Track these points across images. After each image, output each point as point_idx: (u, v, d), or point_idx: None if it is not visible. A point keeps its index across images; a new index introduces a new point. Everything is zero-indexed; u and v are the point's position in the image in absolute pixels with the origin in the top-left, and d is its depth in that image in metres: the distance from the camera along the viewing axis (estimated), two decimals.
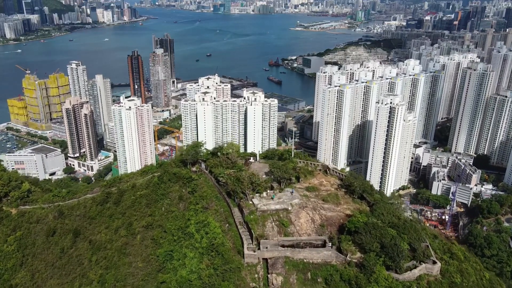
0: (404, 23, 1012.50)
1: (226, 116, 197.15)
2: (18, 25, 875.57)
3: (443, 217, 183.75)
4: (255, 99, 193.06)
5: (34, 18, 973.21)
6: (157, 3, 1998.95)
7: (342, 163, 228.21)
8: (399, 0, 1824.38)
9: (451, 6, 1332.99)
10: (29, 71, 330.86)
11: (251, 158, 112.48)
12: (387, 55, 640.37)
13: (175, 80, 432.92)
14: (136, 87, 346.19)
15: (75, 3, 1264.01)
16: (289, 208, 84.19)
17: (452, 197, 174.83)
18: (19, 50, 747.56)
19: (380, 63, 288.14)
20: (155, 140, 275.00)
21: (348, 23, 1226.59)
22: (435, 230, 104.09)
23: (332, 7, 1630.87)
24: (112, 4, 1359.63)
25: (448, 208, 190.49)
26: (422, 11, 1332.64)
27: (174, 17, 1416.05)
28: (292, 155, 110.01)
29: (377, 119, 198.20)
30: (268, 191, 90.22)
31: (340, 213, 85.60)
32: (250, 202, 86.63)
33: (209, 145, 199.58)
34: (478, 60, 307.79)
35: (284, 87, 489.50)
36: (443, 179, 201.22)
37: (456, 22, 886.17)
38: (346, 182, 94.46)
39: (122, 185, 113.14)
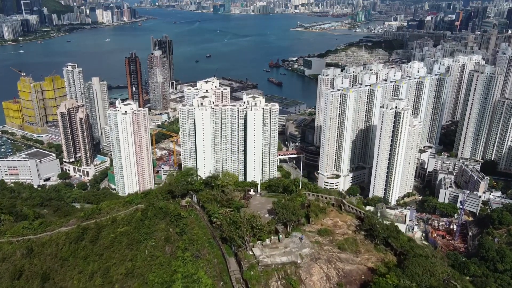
0: (405, 24, 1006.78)
1: (225, 121, 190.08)
2: (16, 26, 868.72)
3: (451, 226, 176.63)
4: (255, 103, 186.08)
5: (33, 18, 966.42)
6: (157, 4, 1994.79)
7: (345, 169, 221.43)
8: (399, 1, 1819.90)
9: (451, 7, 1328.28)
10: (24, 74, 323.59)
11: (251, 190, 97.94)
12: (389, 56, 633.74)
13: (174, 82, 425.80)
14: (134, 89, 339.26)
15: (75, 4, 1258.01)
16: (299, 261, 70.31)
17: (461, 206, 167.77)
18: (22, 51, 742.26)
19: (384, 65, 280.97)
20: (152, 144, 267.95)
21: (349, 24, 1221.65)
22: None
23: (332, 8, 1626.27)
24: (111, 5, 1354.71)
25: (456, 217, 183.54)
26: (423, 12, 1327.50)
27: (174, 18, 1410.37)
28: (300, 186, 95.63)
29: (381, 124, 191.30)
30: (272, 237, 76.50)
31: (361, 265, 71.65)
32: (250, 253, 72.32)
33: (208, 153, 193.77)
34: (483, 62, 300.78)
35: (285, 88, 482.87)
36: (450, 186, 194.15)
37: (457, 23, 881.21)
38: (367, 224, 78.90)
39: (101, 218, 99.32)
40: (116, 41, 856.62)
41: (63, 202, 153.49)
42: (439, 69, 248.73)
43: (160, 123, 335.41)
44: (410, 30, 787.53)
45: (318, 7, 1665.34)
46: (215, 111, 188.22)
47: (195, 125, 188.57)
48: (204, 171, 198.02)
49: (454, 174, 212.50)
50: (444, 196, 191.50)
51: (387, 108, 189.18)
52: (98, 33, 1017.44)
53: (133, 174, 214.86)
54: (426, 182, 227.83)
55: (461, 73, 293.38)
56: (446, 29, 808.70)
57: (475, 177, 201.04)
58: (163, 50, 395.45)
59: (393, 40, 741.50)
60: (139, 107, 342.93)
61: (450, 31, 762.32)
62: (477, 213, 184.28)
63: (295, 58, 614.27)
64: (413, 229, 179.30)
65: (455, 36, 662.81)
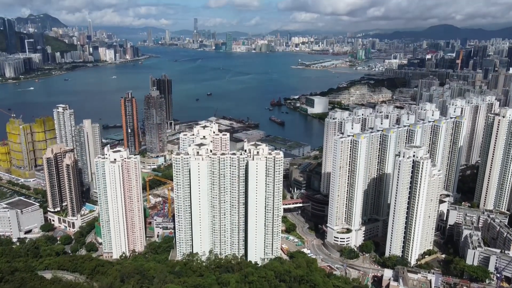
0: (405, 62, 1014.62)
1: (224, 172, 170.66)
2: (18, 64, 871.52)
3: None
4: (257, 152, 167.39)
5: (36, 57, 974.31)
6: (160, 42, 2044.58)
7: (356, 222, 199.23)
8: (398, 39, 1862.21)
9: (450, 45, 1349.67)
10: (14, 115, 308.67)
11: None
12: (392, 94, 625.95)
13: (172, 121, 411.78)
14: (129, 131, 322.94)
15: (78, 42, 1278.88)
16: None
17: (498, 275, 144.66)
18: (32, 88, 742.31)
19: (393, 107, 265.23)
20: (147, 191, 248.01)
21: (349, 62, 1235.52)
22: None
23: (333, 46, 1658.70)
24: (114, 43, 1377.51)
25: (487, 282, 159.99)
26: (422, 50, 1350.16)
27: (176, 56, 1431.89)
28: None
29: (398, 174, 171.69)
30: None
31: None
32: None
33: (204, 207, 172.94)
34: (498, 103, 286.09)
35: (287, 128, 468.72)
36: (479, 246, 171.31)
37: (458, 61, 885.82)
38: None
39: None
40: (116, 80, 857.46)
41: (31, 273, 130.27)
42: (454, 111, 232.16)
43: (156, 166, 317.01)
44: (412, 68, 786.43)
45: (319, 46, 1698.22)
46: (213, 161, 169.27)
47: (190, 176, 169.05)
48: (200, 227, 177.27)
49: (480, 229, 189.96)
50: (472, 257, 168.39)
51: (404, 156, 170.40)
52: (99, 71, 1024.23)
53: (121, 229, 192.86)
54: (447, 237, 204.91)
55: (474, 114, 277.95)
56: (447, 67, 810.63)
57: (505, 234, 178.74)
58: (162, 90, 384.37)
59: (395, 78, 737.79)
60: (135, 149, 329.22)
61: (452, 69, 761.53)
62: None
63: (297, 97, 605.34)
64: None
65: (457, 74, 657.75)
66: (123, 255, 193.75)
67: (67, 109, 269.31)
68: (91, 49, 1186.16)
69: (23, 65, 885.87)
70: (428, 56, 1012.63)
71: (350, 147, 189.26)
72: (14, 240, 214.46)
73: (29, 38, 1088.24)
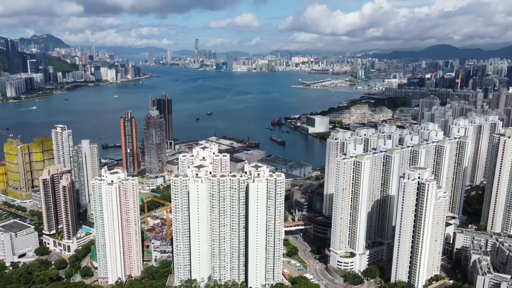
0: (405, 81, 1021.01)
1: (224, 194, 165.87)
2: (20, 84, 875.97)
3: None
4: (258, 174, 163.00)
5: (38, 76, 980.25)
6: (161, 62, 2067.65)
7: (360, 246, 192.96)
8: (397, 59, 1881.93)
9: (449, 65, 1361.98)
10: (12, 135, 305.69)
11: None
12: (393, 113, 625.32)
13: (172, 141, 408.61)
14: (128, 151, 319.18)
15: (80, 62, 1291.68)
16: None
17: None
18: (34, 107, 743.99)
19: (396, 127, 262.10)
20: (145, 212, 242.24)
21: (349, 81, 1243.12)
22: None
23: (332, 66, 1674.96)
24: (116, 63, 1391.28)
25: None
26: (421, 69, 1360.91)
27: (177, 75, 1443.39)
28: None
29: (403, 197, 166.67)
30: None
31: None
32: None
33: (203, 231, 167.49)
34: (501, 123, 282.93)
35: (288, 147, 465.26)
36: (489, 271, 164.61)
37: (458, 81, 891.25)
38: None
39: None
40: (117, 99, 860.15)
41: None
42: (458, 131, 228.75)
43: (155, 187, 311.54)
44: (412, 88, 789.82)
45: (319, 65, 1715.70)
46: (213, 183, 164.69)
47: (188, 199, 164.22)
48: (199, 252, 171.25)
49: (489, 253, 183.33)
50: (482, 283, 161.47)
51: (409, 178, 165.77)
52: (100, 91, 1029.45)
53: (117, 253, 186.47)
54: (454, 261, 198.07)
55: (477, 134, 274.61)
56: (447, 86, 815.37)
57: None
58: (162, 109, 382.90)
59: (395, 98, 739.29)
60: (134, 169, 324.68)
61: (452, 88, 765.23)
62: None
63: (297, 116, 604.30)
64: None
65: (457, 93, 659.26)
66: (119, 280, 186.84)
67: (65, 129, 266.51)
68: (92, 69, 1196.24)
69: (24, 85, 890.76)
70: (428, 76, 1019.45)
71: (353, 168, 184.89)
72: (7, 264, 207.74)
73: (31, 58, 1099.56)
